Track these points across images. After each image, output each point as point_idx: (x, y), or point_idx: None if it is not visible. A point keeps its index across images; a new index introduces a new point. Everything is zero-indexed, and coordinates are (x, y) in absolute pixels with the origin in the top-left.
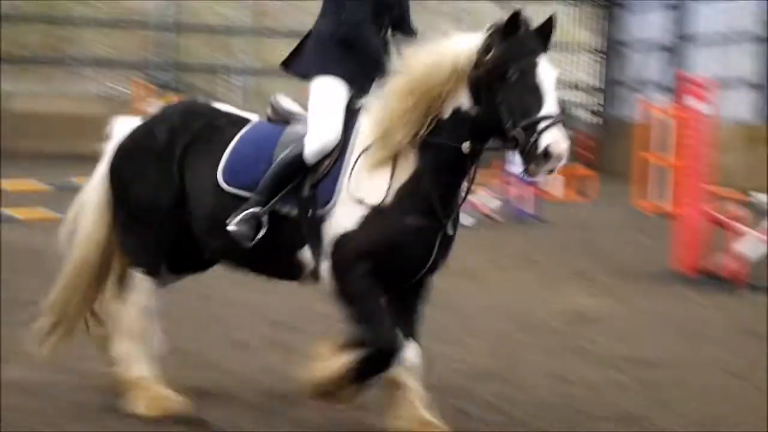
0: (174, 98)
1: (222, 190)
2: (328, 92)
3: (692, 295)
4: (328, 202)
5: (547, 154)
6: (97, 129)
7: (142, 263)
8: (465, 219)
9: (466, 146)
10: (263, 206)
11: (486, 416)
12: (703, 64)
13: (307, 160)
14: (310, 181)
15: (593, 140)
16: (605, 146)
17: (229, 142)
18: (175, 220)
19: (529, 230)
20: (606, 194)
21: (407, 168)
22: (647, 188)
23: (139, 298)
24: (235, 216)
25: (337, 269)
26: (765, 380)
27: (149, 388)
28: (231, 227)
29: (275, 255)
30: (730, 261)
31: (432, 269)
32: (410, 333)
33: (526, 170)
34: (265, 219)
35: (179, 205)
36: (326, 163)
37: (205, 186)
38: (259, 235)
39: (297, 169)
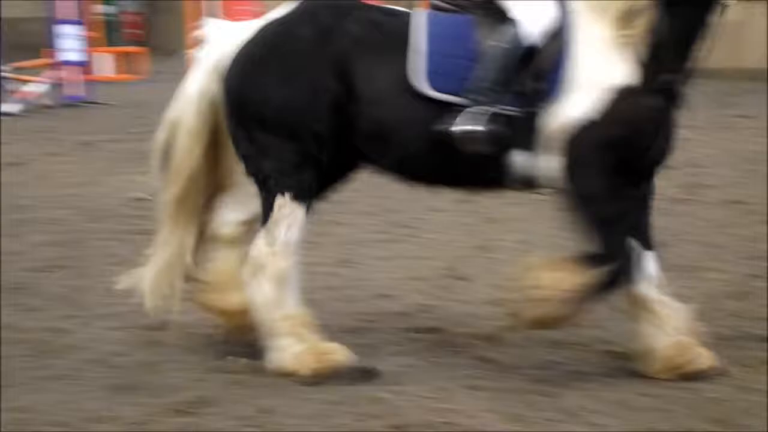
0: None
1: (420, 95)
2: None
3: None
4: (552, 93)
5: None
6: None
7: (290, 185)
8: (11, 107)
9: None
10: (485, 108)
11: (55, 308)
12: None
13: (524, 50)
14: (529, 72)
15: (141, 17)
16: (154, 23)
17: (403, 40)
18: (335, 132)
19: (83, 114)
20: (158, 71)
21: (646, 42)
22: None
23: (287, 230)
24: (454, 122)
25: (576, 165)
26: None
27: (305, 339)
28: (456, 131)
29: (475, 162)
30: None
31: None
32: (648, 240)
33: None
34: (488, 120)
35: (339, 114)
36: (547, 51)
37: (391, 93)
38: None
39: (514, 62)
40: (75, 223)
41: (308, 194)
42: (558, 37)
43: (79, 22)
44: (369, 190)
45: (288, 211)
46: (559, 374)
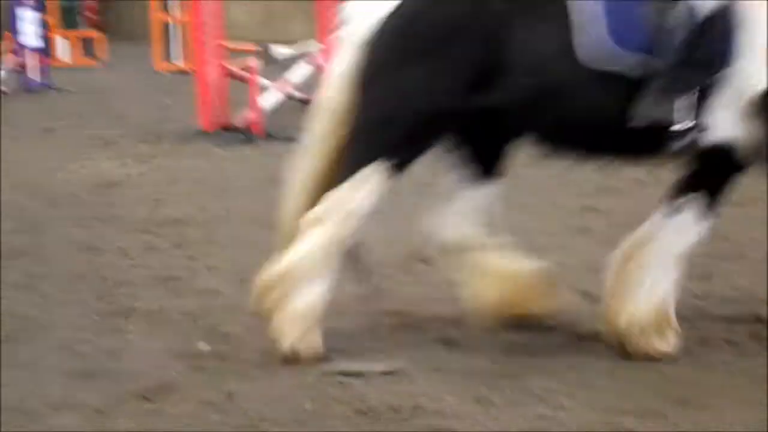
0: None
1: (580, 63)
2: None
3: (216, 150)
4: (728, 59)
5: None
6: None
7: (389, 159)
8: None
9: None
10: (672, 76)
11: (18, 296)
12: None
13: (704, 18)
14: (705, 38)
15: (98, 1)
16: (112, 7)
17: (562, 5)
18: (477, 101)
19: (41, 99)
20: (117, 57)
21: None
22: (161, 47)
23: (363, 200)
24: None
25: None
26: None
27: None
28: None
29: (639, 131)
30: (249, 113)
31: None
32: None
33: None
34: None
35: (488, 85)
36: (726, 17)
37: (555, 56)
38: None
39: (695, 32)
40: (36, 210)
41: (402, 171)
42: (735, 3)
43: (37, 7)
44: None
45: (374, 182)
46: (523, 356)
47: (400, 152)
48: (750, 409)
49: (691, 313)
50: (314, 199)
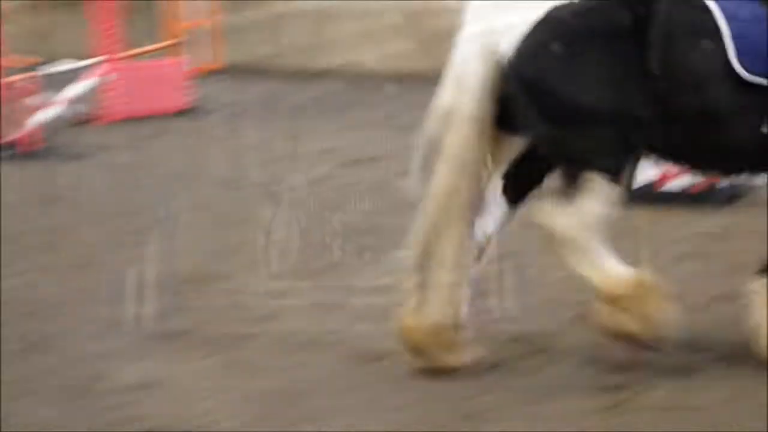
0: None
1: (739, 79)
2: None
3: None
4: None
5: None
6: None
7: (603, 165)
8: None
9: None
10: None
11: None
12: None
13: None
14: None
15: None
16: None
17: (711, 22)
18: (651, 118)
19: None
20: None
21: None
22: None
23: (594, 204)
24: None
25: None
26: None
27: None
28: None
29: None
30: (23, 129)
31: None
32: None
33: None
34: None
35: (656, 101)
36: None
37: (708, 77)
38: None
39: None
40: None
41: (619, 176)
42: None
43: None
44: (109, 191)
45: (598, 186)
46: (308, 375)
47: (608, 161)
48: (532, 423)
49: (475, 331)
50: (458, 211)
